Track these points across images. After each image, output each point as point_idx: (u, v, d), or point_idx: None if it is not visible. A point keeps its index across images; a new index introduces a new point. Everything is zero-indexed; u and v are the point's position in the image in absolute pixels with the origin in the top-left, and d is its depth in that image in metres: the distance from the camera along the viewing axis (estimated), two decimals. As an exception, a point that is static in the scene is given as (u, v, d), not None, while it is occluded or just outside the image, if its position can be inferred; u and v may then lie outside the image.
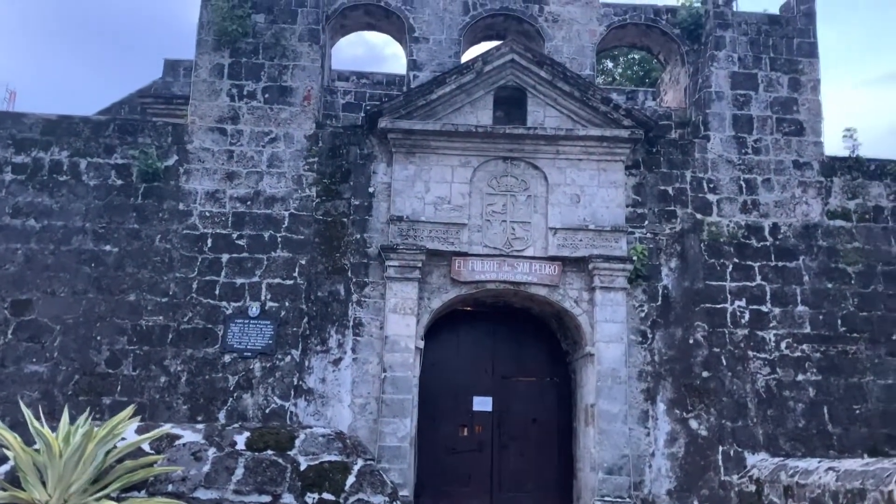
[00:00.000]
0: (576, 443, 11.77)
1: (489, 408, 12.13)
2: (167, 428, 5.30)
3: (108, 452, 4.67)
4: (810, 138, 12.19)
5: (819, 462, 8.92)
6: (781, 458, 10.18)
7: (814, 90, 12.37)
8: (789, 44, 12.52)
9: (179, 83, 15.87)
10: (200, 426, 5.50)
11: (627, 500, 10.58)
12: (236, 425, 5.43)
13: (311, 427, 5.45)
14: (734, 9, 12.68)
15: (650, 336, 11.35)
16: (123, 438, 4.98)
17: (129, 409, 5.06)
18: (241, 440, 5.25)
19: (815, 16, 12.71)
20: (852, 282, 11.66)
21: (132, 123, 12.22)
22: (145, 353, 10.87)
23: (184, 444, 5.21)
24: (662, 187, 11.93)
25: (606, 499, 10.54)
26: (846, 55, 48.51)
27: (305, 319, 11.14)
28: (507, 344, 12.54)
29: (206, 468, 5.07)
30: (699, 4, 12.84)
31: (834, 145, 11.95)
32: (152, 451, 5.08)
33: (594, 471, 10.77)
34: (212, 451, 5.18)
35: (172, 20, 45.28)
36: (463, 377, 12.23)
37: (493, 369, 12.35)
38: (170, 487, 4.96)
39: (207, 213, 11.50)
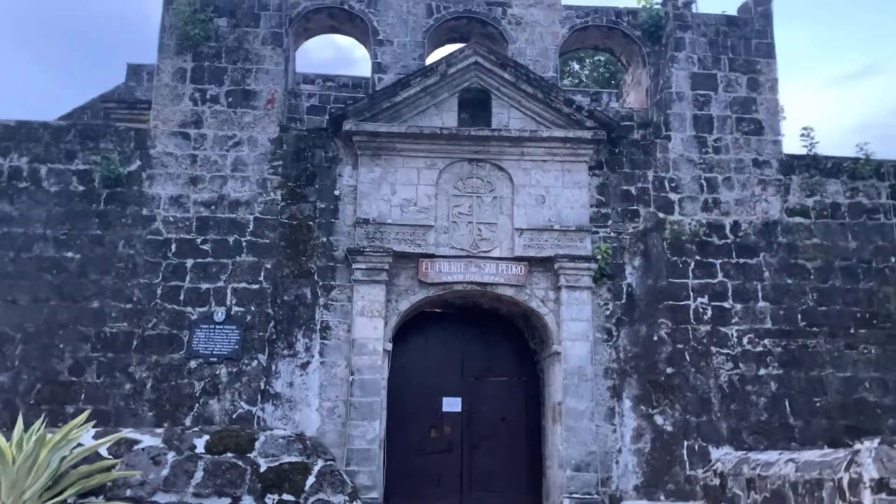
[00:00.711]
0: (544, 441, 11.86)
1: (458, 408, 12.18)
2: (125, 433, 5.28)
3: (63, 458, 4.64)
4: (769, 137, 12.44)
5: (780, 454, 9.10)
6: (744, 452, 10.35)
7: (772, 90, 12.61)
8: (747, 44, 12.76)
9: (143, 88, 15.75)
10: (160, 430, 5.49)
11: (595, 496, 10.69)
12: (196, 429, 5.43)
13: (271, 429, 5.46)
14: (693, 10, 12.90)
15: (615, 334, 11.49)
16: (80, 444, 4.95)
17: (84, 415, 5.03)
18: (200, 443, 5.25)
19: (773, 17, 12.97)
20: (811, 277, 11.91)
21: (94, 129, 12.10)
22: (109, 361, 10.75)
23: (142, 449, 5.20)
24: (625, 187, 12.09)
25: (574, 496, 10.64)
26: (814, 54, 49.48)
27: (272, 324, 11.10)
28: (475, 344, 12.60)
29: (165, 472, 5.07)
30: (659, 6, 13.03)
31: (800, 144, 12.32)
32: (110, 457, 5.06)
33: (562, 468, 10.87)
34: (171, 455, 5.17)
35: (136, 24, 44.83)
36: (432, 378, 12.27)
37: (461, 370, 12.40)
38: (128, 492, 4.95)
39: (171, 218, 11.42)
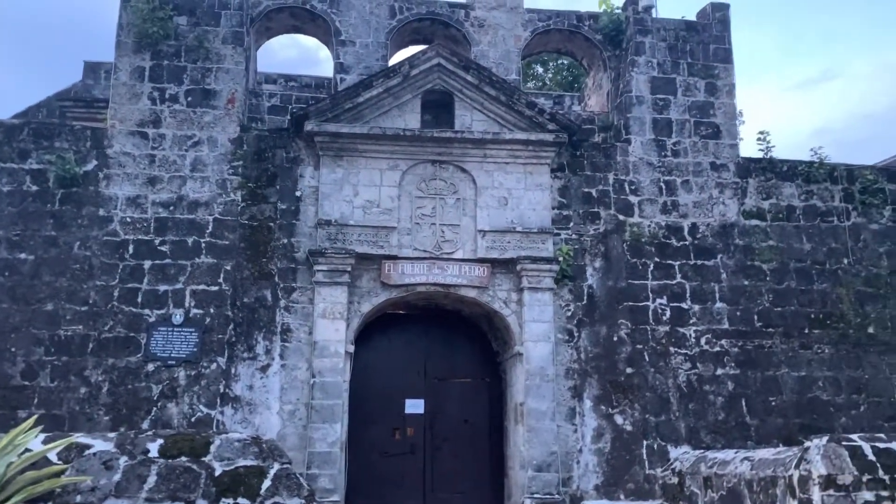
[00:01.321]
0: (506, 442, 11.92)
1: (421, 410, 12.17)
2: (76, 437, 5.17)
3: (9, 464, 4.52)
4: (726, 141, 12.66)
5: (736, 453, 9.27)
6: (702, 451, 10.52)
7: (729, 94, 12.85)
8: (706, 49, 12.98)
9: (101, 86, 15.47)
10: (112, 434, 5.39)
11: (556, 496, 10.76)
12: (150, 433, 5.34)
13: (227, 433, 5.40)
14: (653, 15, 13.07)
15: (576, 334, 11.59)
16: (28, 450, 4.84)
17: (31, 420, 4.91)
18: (154, 448, 5.17)
19: (730, 23, 13.21)
20: (767, 279, 12.15)
21: (48, 127, 11.84)
22: (64, 364, 10.53)
23: (94, 454, 5.09)
24: (586, 189, 12.21)
25: (536, 496, 10.70)
26: (774, 59, 50.51)
27: (231, 326, 10.97)
28: (438, 346, 12.60)
29: (117, 477, 4.97)
30: (620, 11, 13.19)
31: (757, 148, 12.61)
32: (60, 462, 4.95)
33: (524, 468, 10.92)
34: (123, 460, 5.07)
35: (93, 21, 43.98)
36: (395, 380, 12.24)
37: (424, 371, 12.39)
38: (78, 498, 4.84)
39: (129, 219, 11.22)
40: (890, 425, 11.57)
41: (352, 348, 11.23)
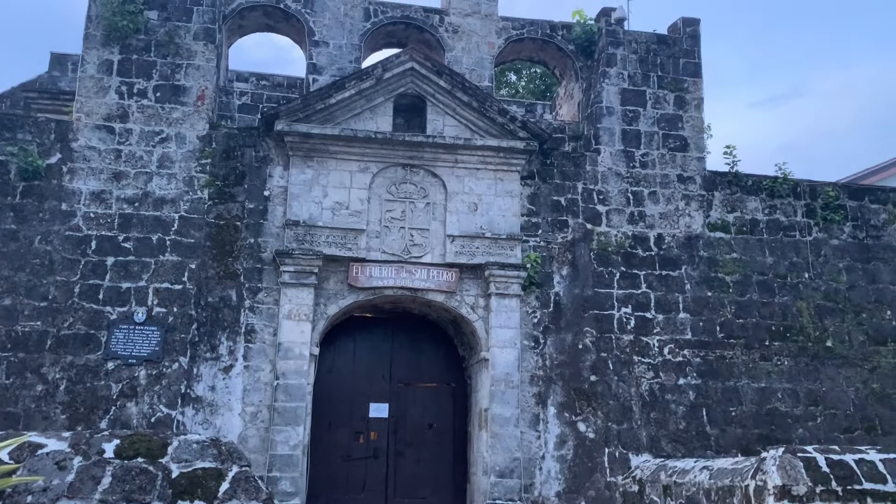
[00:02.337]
0: (470, 447, 11.92)
1: (385, 414, 12.12)
2: (29, 436, 5.05)
3: (-42, 463, 4.41)
4: (694, 154, 12.84)
5: (695, 462, 9.38)
6: (662, 459, 10.64)
7: (697, 108, 13.04)
8: (676, 63, 13.16)
9: (67, 78, 15.19)
10: (67, 434, 5.28)
11: (518, 502, 10.79)
12: (106, 433, 5.24)
13: (185, 434, 5.32)
14: (625, 28, 13.23)
15: (542, 341, 11.65)
16: (-22, 448, 4.71)
17: (-17, 417, 4.79)
18: (109, 448, 5.07)
19: (700, 38, 13.41)
20: (730, 290, 12.34)
21: (11, 118, 11.60)
22: (20, 361, 10.29)
23: (47, 454, 4.98)
24: (556, 198, 12.29)
25: (498, 502, 10.72)
26: (742, 76, 51.40)
27: (195, 325, 10.83)
28: (404, 350, 12.57)
29: (70, 477, 4.87)
30: (593, 22, 13.32)
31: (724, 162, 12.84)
32: (11, 462, 4.83)
33: (486, 474, 10.94)
34: (77, 460, 4.97)
35: (61, 11, 43.20)
36: (359, 383, 12.18)
37: (390, 375, 12.36)
38: (29, 499, 4.74)
39: (92, 214, 11.03)
40: (846, 437, 11.81)
41: (317, 350, 11.16)
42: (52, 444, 5.03)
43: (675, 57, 13.19)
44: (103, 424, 10.14)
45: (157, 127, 11.50)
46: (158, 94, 11.61)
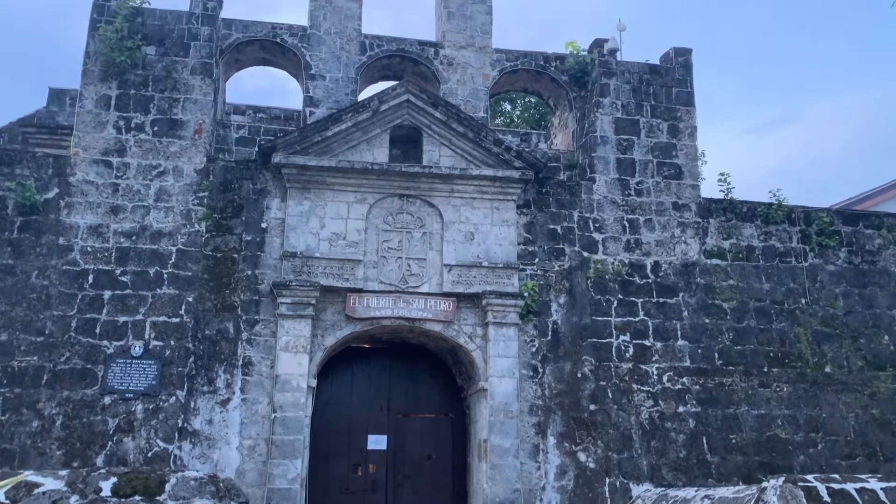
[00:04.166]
0: (470, 479, 11.82)
1: (384, 446, 12.04)
2: (26, 475, 5.02)
3: (-46, 504, 4.37)
4: (688, 181, 12.93)
5: (696, 491, 9.32)
6: (664, 488, 10.57)
7: (691, 136, 13.15)
8: (668, 92, 13.31)
9: (65, 113, 15.32)
10: (64, 472, 5.25)
11: (519, 534, 10.66)
12: (103, 470, 5.21)
13: (183, 471, 5.29)
14: (618, 58, 13.39)
15: (541, 370, 11.61)
16: (-26, 488, 4.68)
17: (-20, 457, 4.76)
18: (107, 486, 5.05)
19: (692, 67, 13.57)
20: (727, 317, 12.34)
21: (9, 153, 11.66)
22: (16, 396, 10.23)
23: (43, 493, 4.96)
24: (552, 226, 12.34)
25: (498, 534, 10.60)
26: (734, 103, 51.93)
27: (192, 359, 10.79)
28: (402, 380, 12.52)
29: (67, 517, 4.84)
30: (586, 53, 13.48)
31: (718, 189, 12.98)
32: (8, 501, 4.80)
33: (486, 506, 10.83)
34: (74, 499, 4.95)
35: (59, 46, 43.61)
36: (357, 415, 12.12)
37: (388, 406, 12.29)
38: (25, 539, 4.70)
39: (89, 249, 11.04)
40: (847, 463, 11.74)
41: (314, 382, 11.10)
42: (49, 483, 5.01)
43: (667, 86, 13.33)
44: (100, 460, 10.05)
45: (154, 161, 11.57)
46: (156, 128, 11.69)
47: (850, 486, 5.84)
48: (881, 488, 5.83)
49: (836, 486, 5.82)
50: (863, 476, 6.14)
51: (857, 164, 46.20)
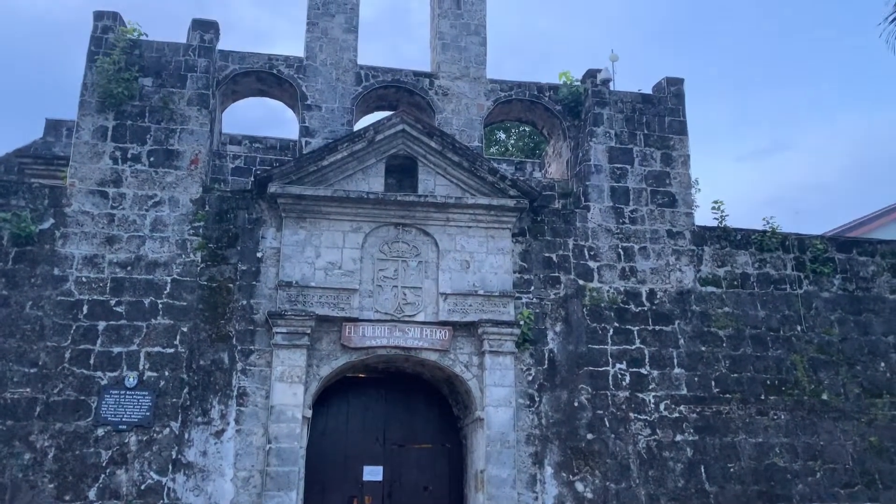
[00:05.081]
0: (466, 510, 11.70)
1: (380, 477, 11.92)
2: (16, 510, 4.95)
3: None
4: (682, 209, 13.00)
5: (695, 520, 9.20)
6: (662, 518, 10.45)
7: (684, 164, 13.26)
8: (661, 121, 13.44)
9: (62, 143, 15.39)
10: (55, 507, 5.18)
11: (517, 567, 10.52)
12: (95, 504, 5.14)
13: (177, 502, 5.23)
14: (611, 88, 13.54)
15: (537, 399, 11.55)
16: (-36, 523, 4.61)
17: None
18: (99, 520, 4.97)
19: (684, 96, 13.73)
20: (724, 345, 12.33)
21: (5, 184, 11.68)
22: (8, 429, 10.13)
23: (34, 527, 4.88)
24: (547, 254, 12.37)
25: (496, 567, 10.46)
26: (727, 130, 52.39)
27: (186, 389, 10.71)
28: (398, 410, 12.44)
29: (58, 552, 4.76)
30: (579, 83, 13.65)
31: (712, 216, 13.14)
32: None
33: (484, 538, 10.70)
34: (65, 534, 4.87)
35: (57, 77, 43.91)
36: (353, 446, 12.02)
37: (384, 437, 12.20)
38: (15, 575, 4.62)
39: (84, 279, 11.02)
40: (846, 492, 11.67)
41: (309, 413, 11.03)
42: (40, 518, 4.93)
43: (660, 115, 13.47)
44: (92, 493, 9.94)
45: (150, 191, 11.60)
46: (152, 159, 11.74)
47: (849, 516, 5.79)
48: (881, 517, 5.78)
49: (835, 515, 5.77)
50: (862, 505, 6.09)
51: (850, 191, 46.53)
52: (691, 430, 11.68)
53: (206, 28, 12.53)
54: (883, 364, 12.79)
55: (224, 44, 12.86)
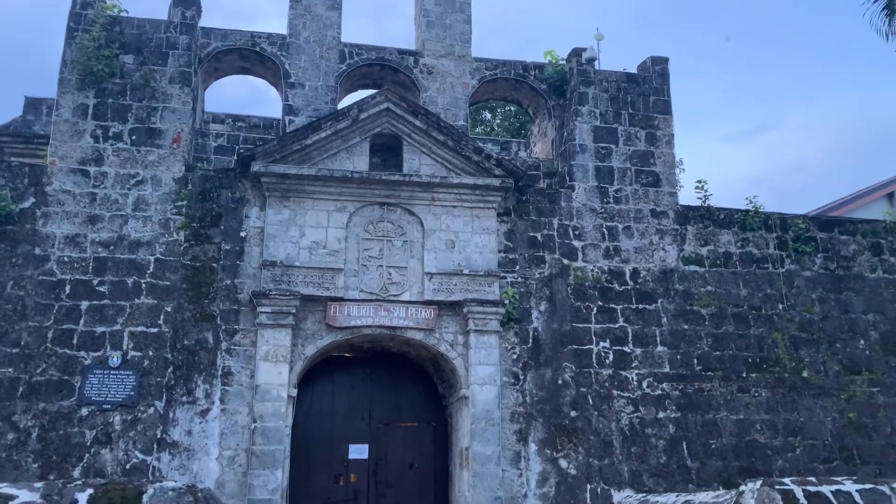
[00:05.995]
0: (451, 487, 11.80)
1: (365, 455, 11.98)
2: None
3: (-75, 518, 4.30)
4: (666, 189, 13.05)
5: (677, 496, 9.37)
6: (644, 494, 10.62)
7: (668, 144, 13.29)
8: (646, 101, 13.44)
9: (42, 122, 15.18)
10: (39, 484, 5.18)
11: (501, 542, 10.65)
12: (79, 482, 5.15)
13: (160, 482, 5.24)
14: (596, 67, 13.52)
15: (522, 377, 11.64)
16: (-54, 502, 4.61)
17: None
18: (82, 498, 4.99)
19: (669, 76, 13.72)
20: (706, 323, 12.45)
21: (-16, 163, 11.53)
22: (-9, 409, 10.08)
23: (17, 505, 4.88)
24: (532, 234, 12.40)
25: (480, 542, 10.58)
26: (712, 110, 52.52)
27: (170, 369, 10.70)
28: (384, 389, 12.49)
29: (42, 530, 4.77)
30: (564, 62, 13.60)
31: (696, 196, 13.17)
32: (-19, 515, 4.73)
33: (468, 514, 10.81)
34: (49, 511, 4.88)
35: (36, 55, 43.21)
36: (339, 425, 12.06)
37: (369, 416, 12.25)
38: (-2, 553, 4.63)
39: (66, 259, 10.93)
40: (825, 467, 11.87)
41: (294, 392, 11.05)
42: (24, 496, 4.94)
43: (645, 95, 13.47)
44: (77, 473, 9.93)
45: (132, 170, 11.49)
46: (134, 138, 11.62)
47: (826, 489, 5.90)
48: (856, 490, 5.90)
49: (812, 488, 5.89)
50: (839, 479, 6.21)
51: (834, 172, 46.91)
52: (673, 408, 11.81)
53: (187, 5, 12.36)
54: (862, 342, 12.96)
55: (206, 21, 12.72)
